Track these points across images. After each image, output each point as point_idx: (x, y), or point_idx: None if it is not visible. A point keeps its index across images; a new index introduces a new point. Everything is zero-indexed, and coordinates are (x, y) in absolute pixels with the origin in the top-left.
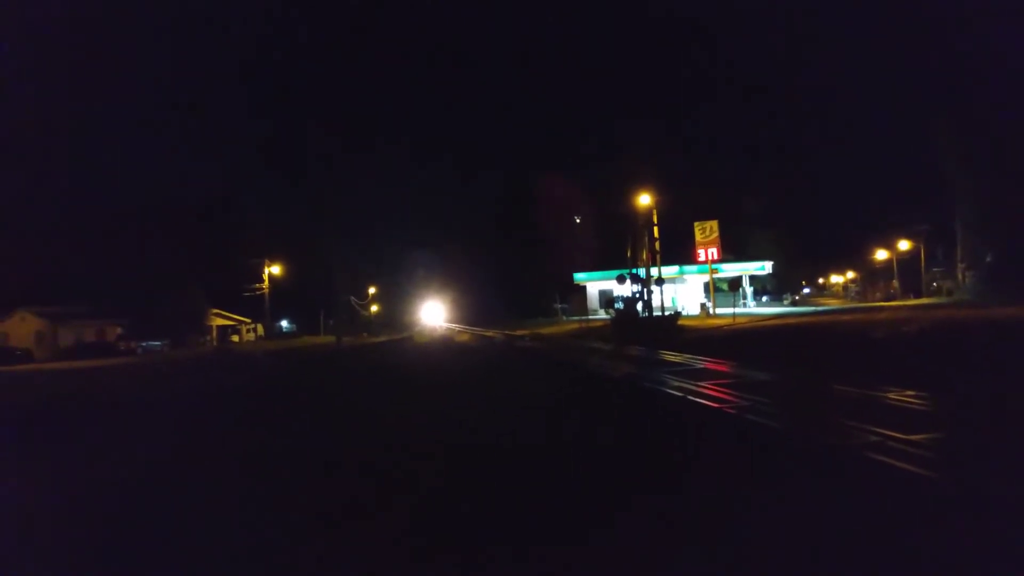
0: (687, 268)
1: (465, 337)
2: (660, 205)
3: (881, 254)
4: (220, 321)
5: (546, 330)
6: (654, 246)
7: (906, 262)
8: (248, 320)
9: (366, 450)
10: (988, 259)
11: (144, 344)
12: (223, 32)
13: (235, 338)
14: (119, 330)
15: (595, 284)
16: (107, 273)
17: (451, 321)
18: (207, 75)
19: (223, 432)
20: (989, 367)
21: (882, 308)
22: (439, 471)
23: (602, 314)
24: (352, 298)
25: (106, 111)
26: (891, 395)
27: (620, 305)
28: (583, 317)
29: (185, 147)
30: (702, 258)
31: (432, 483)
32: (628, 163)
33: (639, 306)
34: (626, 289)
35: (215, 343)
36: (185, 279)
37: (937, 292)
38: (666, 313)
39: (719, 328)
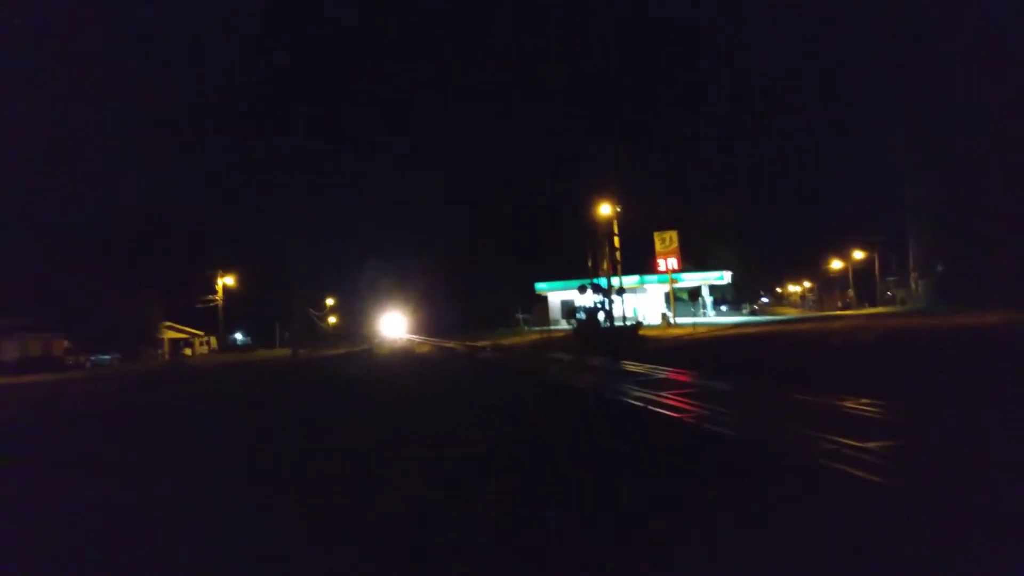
0: (648, 278)
1: (425, 348)
2: (621, 215)
3: (837, 264)
4: (172, 334)
5: (507, 340)
6: (615, 256)
7: (861, 271)
8: (201, 333)
9: (323, 471)
10: (939, 269)
11: (93, 358)
12: (179, 43)
13: (188, 351)
14: (66, 344)
15: (557, 294)
16: (54, 285)
17: (412, 332)
18: (161, 83)
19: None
20: (940, 374)
21: (838, 317)
22: (395, 488)
23: (564, 324)
24: (309, 309)
25: (51, 117)
26: (847, 403)
27: (582, 315)
28: (545, 327)
29: (136, 156)
30: (662, 268)
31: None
32: (590, 174)
33: (601, 316)
34: (588, 299)
35: (167, 356)
36: (136, 291)
37: (891, 301)
38: (627, 323)
39: (679, 338)
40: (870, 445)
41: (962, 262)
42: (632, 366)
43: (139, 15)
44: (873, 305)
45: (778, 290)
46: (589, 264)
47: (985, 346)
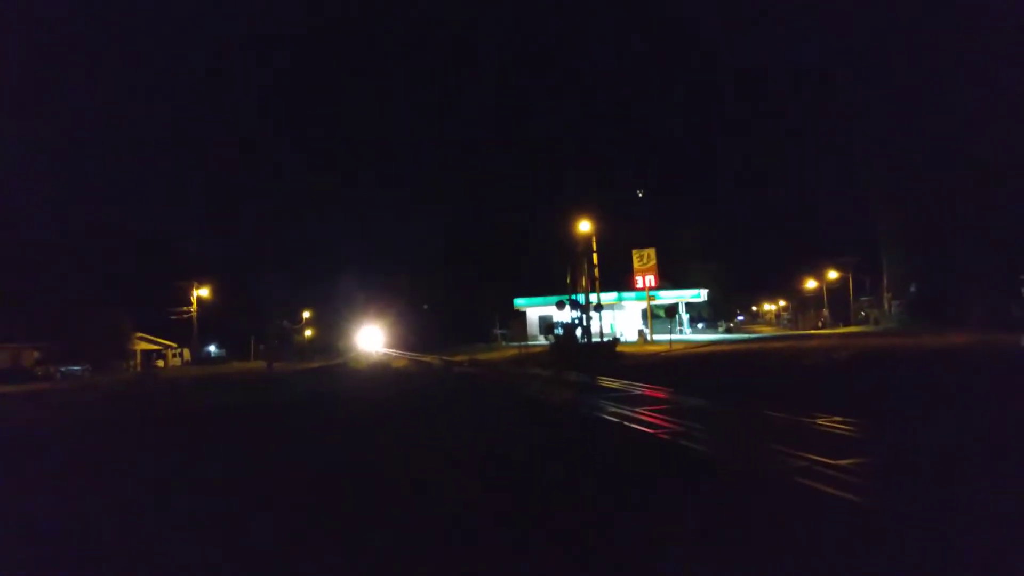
0: (625, 295)
1: (402, 363)
2: (600, 232)
3: (811, 283)
4: (145, 345)
5: (485, 356)
6: (593, 273)
7: (835, 291)
8: (174, 345)
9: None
10: (912, 289)
11: (64, 369)
12: (154, 57)
13: (160, 363)
14: (36, 354)
15: (535, 310)
16: (24, 295)
17: (389, 346)
18: (135, 96)
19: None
20: (910, 394)
21: (812, 336)
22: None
23: (542, 340)
24: (285, 322)
25: (23, 130)
26: (820, 421)
27: (560, 331)
28: (523, 343)
29: (112, 167)
30: (640, 285)
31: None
32: (570, 191)
33: (578, 332)
34: (566, 315)
35: (139, 368)
36: (108, 301)
37: (864, 321)
38: (605, 339)
39: (656, 354)
40: (842, 462)
41: (934, 284)
42: (609, 382)
43: (115, 26)
44: (847, 325)
45: (754, 308)
46: (568, 280)
47: (954, 366)
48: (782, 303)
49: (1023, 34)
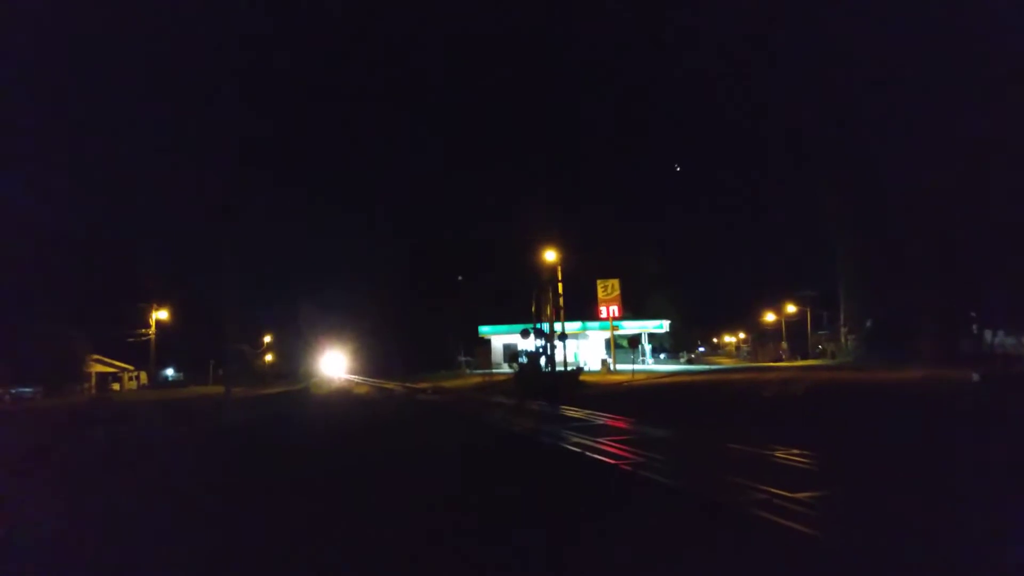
0: (590, 324)
1: (365, 389)
2: (565, 262)
3: (771, 317)
4: (101, 368)
5: (449, 383)
6: (558, 302)
7: (794, 325)
8: (131, 368)
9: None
10: (868, 324)
11: (14, 391)
12: (109, 66)
13: (116, 386)
14: None
15: (500, 338)
16: None
17: (351, 372)
18: (89, 109)
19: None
20: (866, 426)
21: (771, 368)
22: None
23: (506, 368)
24: (245, 346)
25: None
26: (778, 453)
27: (524, 359)
28: (487, 371)
29: (68, 183)
30: (604, 315)
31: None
32: (535, 220)
33: (542, 361)
34: (530, 343)
35: (94, 391)
36: (63, 322)
37: (822, 354)
38: (569, 368)
39: (619, 384)
40: (800, 495)
41: (889, 319)
42: (572, 411)
43: (81, 36)
44: (805, 357)
45: (714, 340)
46: (533, 309)
47: (909, 400)
48: (742, 335)
49: (979, 72)
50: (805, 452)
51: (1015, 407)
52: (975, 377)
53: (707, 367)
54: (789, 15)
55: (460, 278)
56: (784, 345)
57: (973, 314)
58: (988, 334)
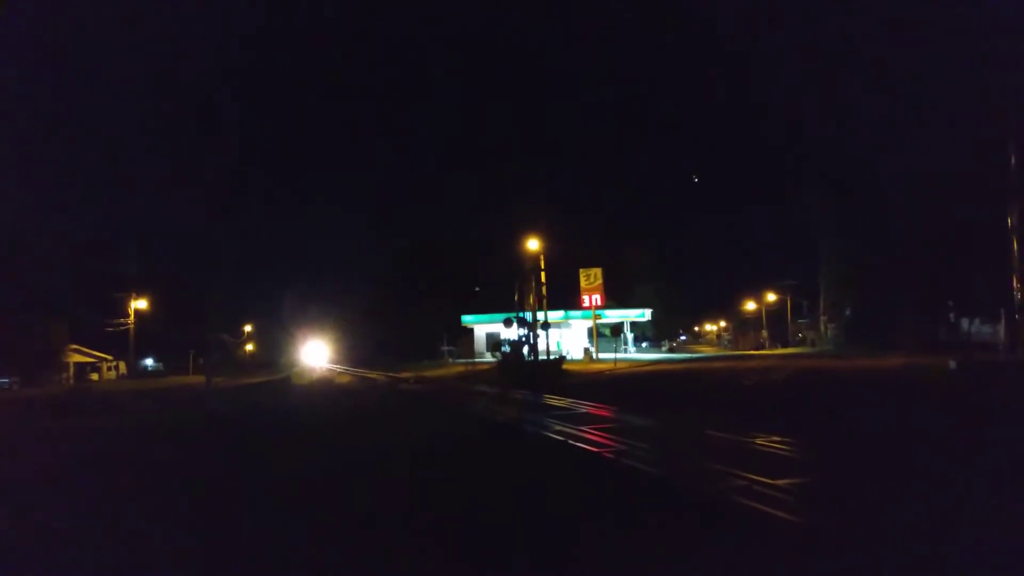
0: (572, 313)
1: (347, 379)
2: (548, 251)
3: (751, 306)
4: (79, 358)
5: (431, 372)
6: (541, 291)
7: (774, 314)
8: (110, 357)
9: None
10: (847, 313)
11: None
12: (96, 55)
13: (94, 376)
14: None
15: (483, 327)
16: None
17: (333, 361)
18: (69, 96)
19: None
20: (844, 413)
21: (752, 356)
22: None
23: (489, 357)
24: (225, 336)
25: None
26: (758, 440)
27: (507, 348)
28: (470, 360)
29: (46, 171)
30: (586, 304)
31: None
32: (518, 209)
33: (525, 350)
34: (513, 332)
35: (72, 381)
36: (41, 311)
37: (802, 342)
38: (551, 357)
39: (601, 373)
40: (780, 482)
41: (868, 308)
42: (555, 400)
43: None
44: (785, 346)
45: (696, 329)
46: (516, 298)
47: (888, 387)
48: (723, 324)
49: (960, 61)
50: (786, 439)
51: (990, 393)
52: (952, 365)
53: (689, 355)
54: None
55: (444, 267)
56: (765, 334)
57: (951, 303)
58: (965, 322)
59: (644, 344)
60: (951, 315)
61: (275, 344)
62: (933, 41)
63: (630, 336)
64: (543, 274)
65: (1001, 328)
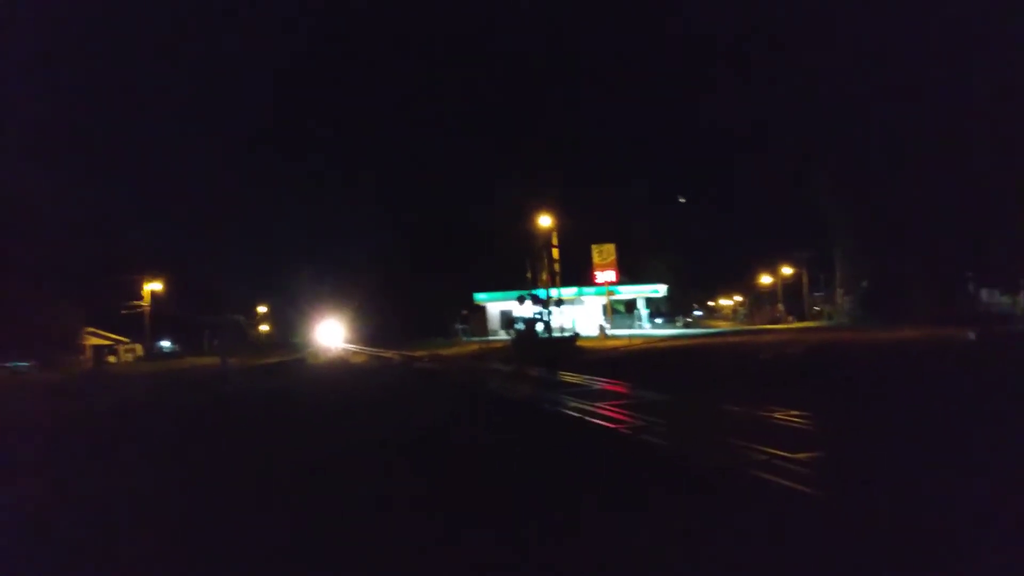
0: (586, 290)
1: (361, 358)
2: (560, 228)
3: (767, 279)
4: (96, 340)
5: (446, 351)
6: (554, 267)
7: (790, 287)
8: (126, 340)
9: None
10: (863, 285)
11: (10, 365)
12: (108, 51)
13: (112, 359)
14: None
15: (496, 304)
16: None
17: (348, 341)
18: (82, 85)
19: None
20: (863, 386)
21: (768, 330)
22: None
23: (503, 335)
24: (240, 317)
25: None
26: (777, 415)
27: (520, 326)
28: (483, 338)
29: (63, 157)
30: (600, 280)
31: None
32: (530, 185)
33: (539, 327)
34: (526, 310)
35: (90, 364)
36: (58, 294)
37: (818, 315)
38: (565, 334)
39: (616, 349)
40: (799, 456)
41: (885, 280)
42: (570, 377)
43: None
44: (801, 319)
45: (711, 303)
46: (528, 275)
47: (906, 360)
48: (738, 298)
49: (970, 33)
50: (804, 413)
51: (1010, 365)
52: (971, 336)
53: (704, 331)
54: None
55: (456, 245)
56: (781, 307)
57: (969, 274)
58: (984, 293)
59: (659, 320)
60: (969, 286)
61: (290, 325)
62: None
63: (644, 312)
64: (555, 250)
65: (1020, 298)
